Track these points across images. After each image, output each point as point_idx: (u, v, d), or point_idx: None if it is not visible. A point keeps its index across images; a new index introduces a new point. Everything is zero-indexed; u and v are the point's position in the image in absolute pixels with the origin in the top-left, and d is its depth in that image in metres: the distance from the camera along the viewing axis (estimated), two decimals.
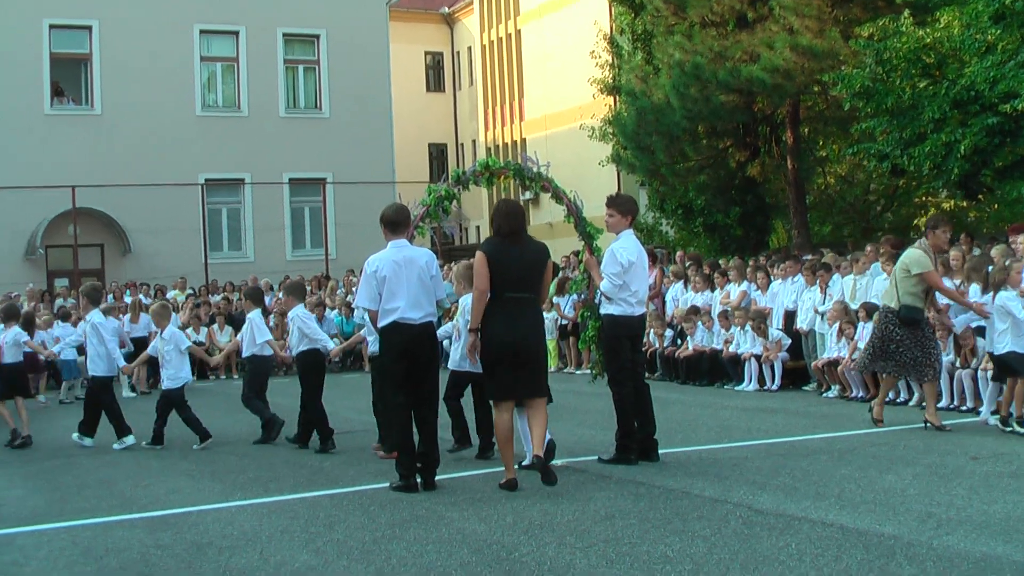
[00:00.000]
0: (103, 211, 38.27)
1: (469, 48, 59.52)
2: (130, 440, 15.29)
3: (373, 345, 13.15)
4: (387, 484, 10.87)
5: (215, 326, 28.39)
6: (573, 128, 44.35)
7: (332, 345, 16.25)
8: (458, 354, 13.01)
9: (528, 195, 48.90)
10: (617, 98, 37.77)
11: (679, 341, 22.35)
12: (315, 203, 41.54)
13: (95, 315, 15.91)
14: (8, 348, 16.42)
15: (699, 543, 8.00)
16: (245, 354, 16.29)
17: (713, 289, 22.64)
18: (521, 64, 54.41)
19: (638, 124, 30.64)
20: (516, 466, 10.82)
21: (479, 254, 10.63)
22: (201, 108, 40.97)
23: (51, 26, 38.99)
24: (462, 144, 60.43)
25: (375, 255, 11.08)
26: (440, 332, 13.86)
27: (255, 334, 15.88)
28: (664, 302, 23.95)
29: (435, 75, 61.06)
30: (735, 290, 22.02)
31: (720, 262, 25.83)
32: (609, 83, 38.26)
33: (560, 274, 25.97)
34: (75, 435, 15.70)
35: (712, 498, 9.63)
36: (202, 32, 40.88)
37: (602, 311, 11.95)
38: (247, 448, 14.59)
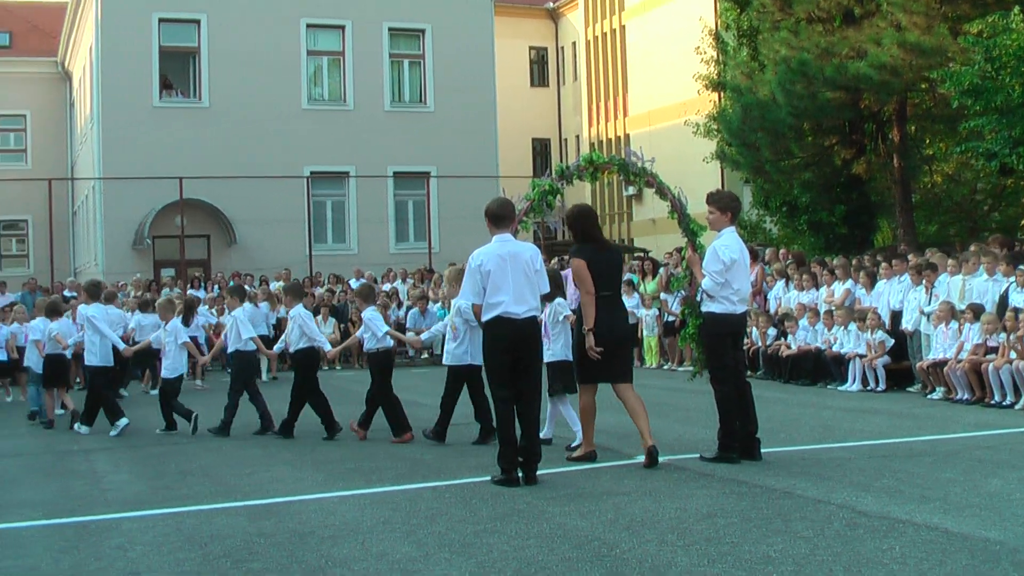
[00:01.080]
0: (209, 202, 38.73)
1: (573, 43, 59.46)
2: (123, 423, 15.98)
3: (370, 343, 14.90)
4: (488, 478, 10.89)
5: (319, 318, 28.57)
6: (677, 124, 44.15)
7: (328, 346, 16.86)
8: (460, 350, 14.31)
9: (631, 190, 48.84)
10: (722, 94, 37.59)
11: (782, 340, 22.17)
12: (419, 196, 41.72)
13: (89, 308, 16.55)
14: (49, 341, 17.46)
15: (801, 544, 7.93)
16: (230, 350, 16.97)
17: (817, 288, 22.45)
18: (625, 59, 54.28)
19: (743, 120, 30.48)
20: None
21: (577, 261, 11.60)
22: (307, 101, 41.31)
23: (160, 20, 39.55)
24: (565, 139, 60.37)
25: (480, 249, 11.04)
26: (434, 330, 16.30)
27: (240, 330, 16.30)
28: (766, 300, 23.80)
29: (539, 70, 61.07)
30: (839, 289, 21.81)
31: (824, 260, 25.57)
32: (714, 79, 38.07)
33: (663, 270, 25.89)
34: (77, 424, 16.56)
35: (815, 499, 9.54)
36: (309, 26, 41.22)
37: (704, 309, 11.86)
38: (349, 439, 14.67)
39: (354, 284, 32.16)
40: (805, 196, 33.36)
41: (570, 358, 12.62)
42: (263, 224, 38.47)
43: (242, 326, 16.27)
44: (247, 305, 17.27)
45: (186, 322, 17.71)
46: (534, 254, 11.04)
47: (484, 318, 10.93)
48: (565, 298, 13.67)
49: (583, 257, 11.59)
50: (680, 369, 23.90)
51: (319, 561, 7.97)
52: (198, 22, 39.96)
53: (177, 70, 41.14)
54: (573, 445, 12.63)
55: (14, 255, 54.60)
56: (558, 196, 12.88)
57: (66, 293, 25.94)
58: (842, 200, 32.35)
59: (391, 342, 15.44)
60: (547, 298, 12.25)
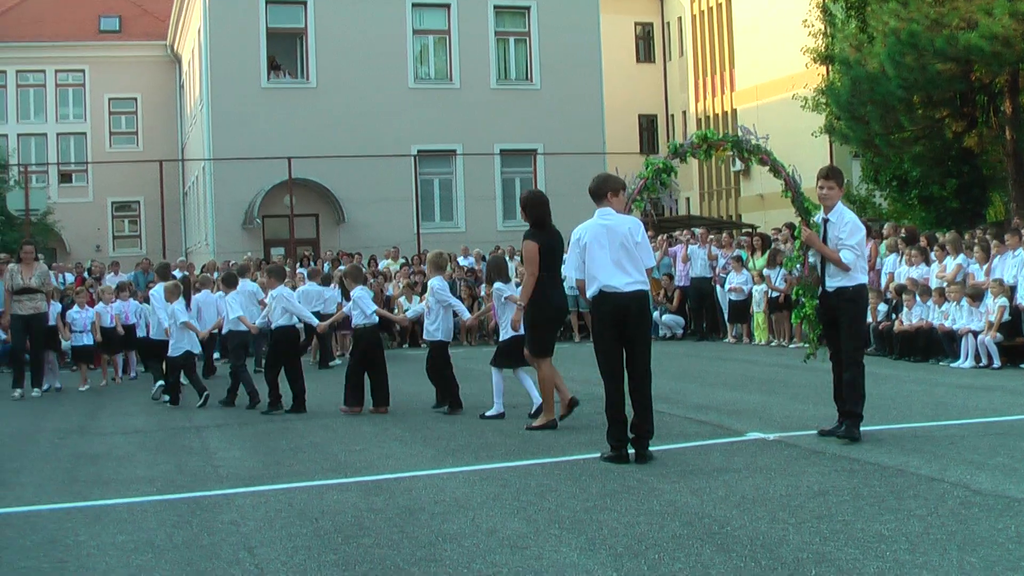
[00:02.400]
0: (318, 182, 39.05)
1: (679, 18, 59.12)
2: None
3: (357, 319, 15.67)
4: (598, 454, 10.88)
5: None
6: (785, 98, 43.76)
7: (316, 321, 17.66)
8: (433, 326, 15.35)
9: (739, 166, 48.57)
10: (830, 67, 37.20)
11: (894, 316, 21.87)
12: (526, 174, 41.75)
13: (283, 290, 16.79)
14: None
15: (914, 522, 7.82)
16: (224, 331, 18.30)
17: (929, 263, 22.11)
18: (732, 34, 53.90)
19: (852, 94, 30.13)
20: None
21: (530, 243, 12.91)
22: (413, 80, 41.45)
23: (268, 2, 39.92)
24: (672, 115, 60.10)
25: (581, 224, 11.08)
26: (416, 308, 17.57)
27: (229, 312, 17.82)
28: (879, 275, 23.51)
29: (645, 45, 60.78)
30: (951, 264, 21.47)
31: (936, 235, 25.21)
32: (822, 52, 37.71)
33: (773, 246, 25.68)
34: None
35: (928, 476, 9.41)
36: (414, 5, 41.38)
37: (844, 284, 11.50)
38: (458, 415, 14.70)
39: (462, 261, 32.29)
40: (916, 170, 32.94)
41: (518, 334, 13.90)
42: (371, 203, 38.72)
43: (231, 309, 17.81)
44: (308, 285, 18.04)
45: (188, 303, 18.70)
46: (633, 226, 10.95)
47: (588, 294, 10.89)
48: (507, 282, 14.95)
49: (537, 241, 12.91)
50: (792, 346, 23.67)
51: (429, 537, 8.01)
52: (305, 3, 40.26)
53: (284, 51, 41.50)
54: (532, 412, 13.70)
55: (127, 235, 55.58)
56: (672, 174, 12.82)
57: (176, 273, 26.18)
58: (953, 174, 31.90)
59: (377, 319, 16.10)
60: (488, 282, 14.22)
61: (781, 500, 8.70)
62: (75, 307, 21.53)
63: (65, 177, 56.50)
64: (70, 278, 29.16)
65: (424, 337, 16.01)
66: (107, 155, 54.07)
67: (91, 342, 21.21)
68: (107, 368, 21.99)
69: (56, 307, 20.99)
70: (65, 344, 22.00)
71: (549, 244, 13.07)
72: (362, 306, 15.64)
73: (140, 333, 21.09)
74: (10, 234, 44.50)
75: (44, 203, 41.71)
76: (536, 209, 13.27)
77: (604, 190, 11.11)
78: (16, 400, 18.85)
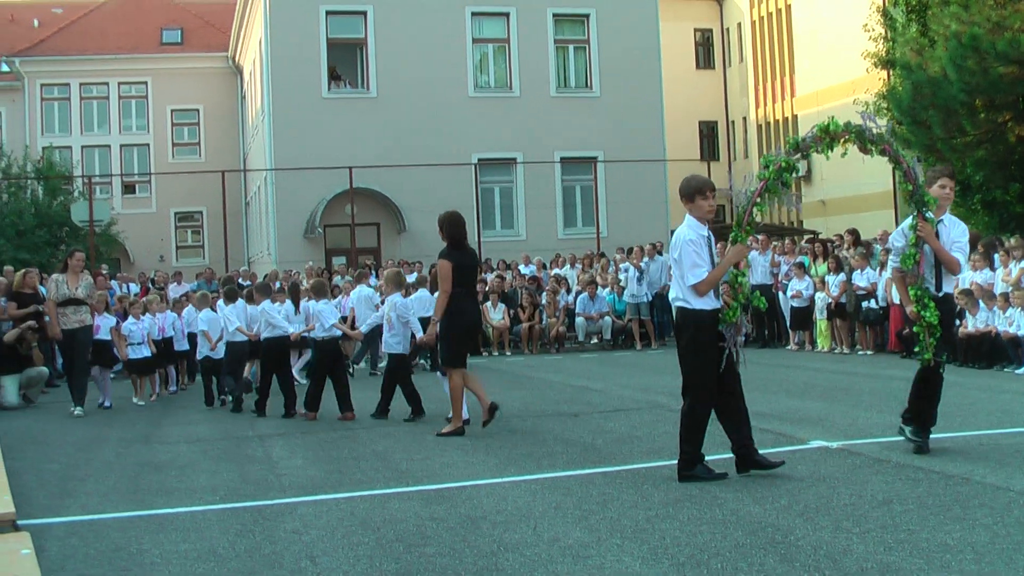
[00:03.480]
0: (379, 191, 39.17)
1: (739, 24, 58.92)
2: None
3: (318, 331, 16.68)
4: (661, 463, 10.84)
5: (488, 303, 28.70)
6: (846, 103, 43.33)
7: (292, 329, 17.97)
8: (394, 340, 16.01)
9: (800, 171, 48.41)
10: (891, 72, 36.94)
11: (958, 322, 21.64)
12: (586, 181, 41.67)
13: (401, 299, 16.86)
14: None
15: (981, 532, 7.73)
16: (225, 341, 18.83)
17: (993, 268, 21.90)
18: (792, 39, 53.62)
19: (913, 98, 29.93)
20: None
21: (443, 262, 13.79)
22: (473, 89, 41.53)
23: (328, 12, 40.11)
24: (732, 122, 59.90)
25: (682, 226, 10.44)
26: (371, 321, 18.43)
27: (227, 324, 18.51)
28: None
29: (705, 52, 60.60)
30: (1015, 268, 21.24)
31: (1001, 240, 24.96)
32: (883, 56, 37.45)
33: (834, 252, 25.52)
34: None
35: (994, 485, 9.30)
36: (474, 14, 41.44)
37: (949, 289, 11.23)
38: (520, 424, 14.70)
39: (523, 270, 32.31)
40: (978, 174, 32.63)
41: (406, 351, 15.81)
42: (432, 211, 38.21)
43: (228, 321, 18.52)
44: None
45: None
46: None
47: (694, 304, 10.13)
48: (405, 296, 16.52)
49: (451, 260, 13.77)
50: (860, 353, 23.51)
51: (491, 546, 8.00)
52: (364, 14, 40.41)
53: (345, 61, 41.68)
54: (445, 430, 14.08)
55: (189, 245, 56.01)
56: (795, 172, 11.96)
57: (240, 282, 26.36)
58: (1017, 178, 31.58)
59: (339, 332, 17.12)
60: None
61: (845, 509, 8.63)
62: (130, 319, 20.44)
63: (128, 188, 57.01)
64: (135, 288, 29.35)
65: (384, 349, 16.75)
66: (170, 166, 54.53)
67: (148, 354, 20.21)
68: (154, 382, 21.03)
69: (110, 320, 19.99)
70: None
71: (463, 263, 13.90)
72: (322, 319, 16.68)
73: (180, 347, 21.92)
74: (75, 245, 44.92)
75: (108, 214, 42.03)
76: (453, 229, 14.12)
77: (690, 191, 10.42)
78: (79, 416, 17.86)
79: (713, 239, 10.41)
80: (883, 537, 7.70)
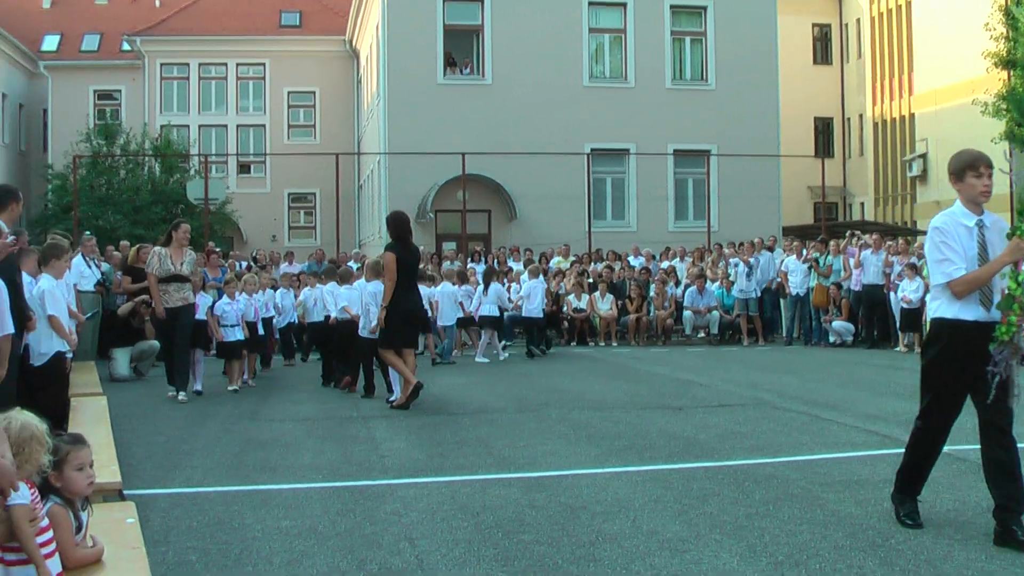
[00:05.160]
0: (491, 178, 39.23)
1: (858, 20, 58.16)
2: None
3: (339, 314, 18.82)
4: (763, 460, 10.80)
5: (596, 293, 28.66)
6: (964, 103, 42.87)
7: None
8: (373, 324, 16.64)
9: (915, 171, 47.91)
10: (1012, 72, 36.33)
11: None
12: (698, 174, 41.37)
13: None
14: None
15: None
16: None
17: None
18: (911, 36, 52.85)
19: None
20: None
21: (388, 254, 15.57)
22: (588, 79, 41.45)
23: None
24: (848, 118, 59.19)
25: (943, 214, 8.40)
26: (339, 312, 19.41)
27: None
28: None
29: (823, 47, 59.88)
30: None
31: None
32: (1003, 56, 36.84)
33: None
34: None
35: None
36: (591, 4, 41.35)
37: None
38: (623, 415, 14.64)
39: (633, 262, 32.23)
40: None
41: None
42: (543, 200, 38.83)
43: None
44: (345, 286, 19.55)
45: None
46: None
47: (948, 311, 8.21)
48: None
49: (395, 252, 15.51)
50: None
51: (590, 536, 8.01)
52: (482, 1, 40.47)
53: (461, 48, 41.79)
54: (390, 399, 15.93)
55: (302, 226, 56.51)
56: None
57: (351, 264, 26.56)
58: None
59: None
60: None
61: (947, 515, 8.53)
62: (224, 298, 18.94)
63: (244, 168, 57.61)
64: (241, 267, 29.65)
65: (360, 332, 17.22)
66: (285, 147, 54.97)
67: (242, 337, 18.72)
68: (241, 367, 19.26)
69: (206, 299, 18.50)
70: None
71: (405, 258, 15.64)
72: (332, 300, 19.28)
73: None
74: (190, 222, 45.40)
75: (223, 192, 42.54)
76: (398, 227, 15.93)
77: (959, 167, 8.25)
78: (183, 402, 16.61)
79: (995, 227, 8.21)
80: (985, 544, 7.61)
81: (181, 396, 16.77)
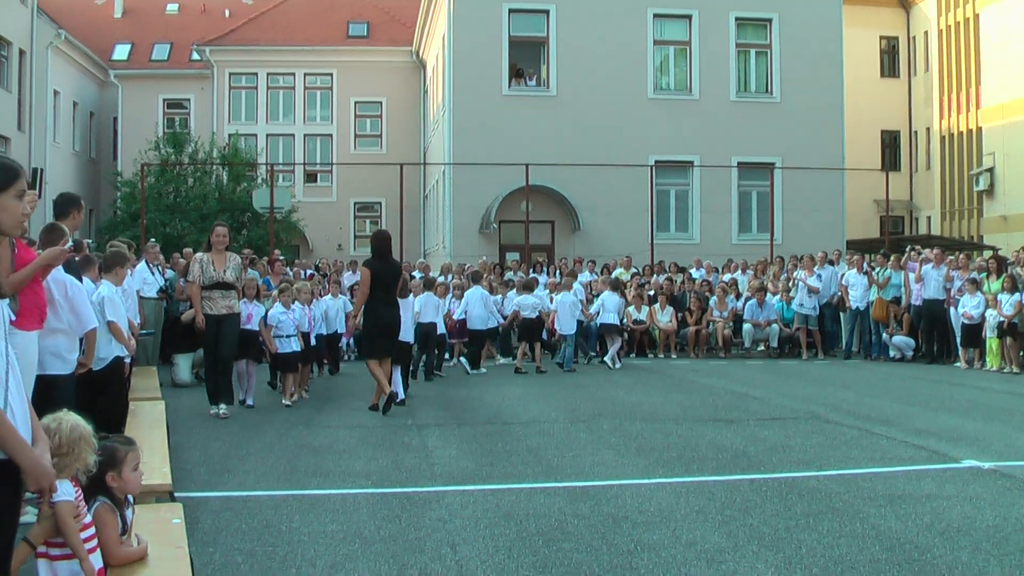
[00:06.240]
0: (555, 189, 39.36)
1: (925, 32, 57.79)
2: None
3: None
4: (809, 472, 10.87)
5: (656, 305, 28.70)
6: None
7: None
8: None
9: (982, 185, 47.62)
10: None
11: None
12: (763, 187, 41.25)
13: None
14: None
15: None
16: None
17: None
18: (979, 50, 52.45)
19: None
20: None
21: (364, 269, 16.80)
22: (653, 91, 41.50)
23: (511, 10, 40.44)
24: (915, 132, 58.80)
25: None
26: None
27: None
28: None
29: (890, 60, 59.54)
30: None
31: None
32: None
33: (1009, 270, 25.02)
34: None
35: None
36: (655, 16, 41.39)
37: None
38: (675, 427, 14.73)
39: (695, 274, 32.23)
40: None
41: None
42: (607, 211, 38.93)
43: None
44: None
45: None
46: None
47: None
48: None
49: (369, 267, 16.58)
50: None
51: (629, 545, 8.14)
52: (547, 12, 40.66)
53: (526, 60, 41.94)
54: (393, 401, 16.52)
55: (367, 235, 56.72)
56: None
57: (415, 274, 26.77)
58: None
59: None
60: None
61: (987, 531, 8.58)
62: (278, 306, 17.86)
63: (310, 177, 58.02)
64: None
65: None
66: (351, 157, 55.32)
67: (298, 348, 17.87)
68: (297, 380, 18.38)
69: (260, 309, 17.65)
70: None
71: (382, 272, 16.56)
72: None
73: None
74: (256, 230, 46.03)
75: (288, 201, 42.87)
76: (379, 244, 16.96)
77: None
78: (221, 417, 15.77)
79: None
80: (1021, 561, 7.67)
81: (223, 411, 15.92)
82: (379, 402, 16.36)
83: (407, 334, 18.35)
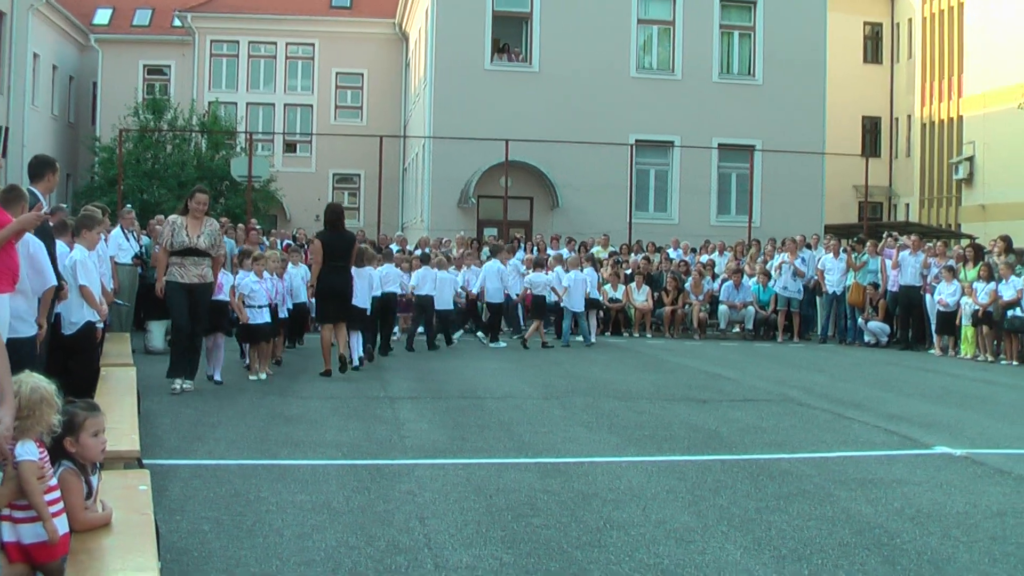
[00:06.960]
0: (535, 165, 39.28)
1: (910, 20, 57.74)
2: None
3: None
4: (782, 455, 10.86)
5: (632, 284, 28.67)
6: (1013, 107, 42.66)
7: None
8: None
9: (961, 174, 47.67)
10: None
11: None
12: (742, 169, 41.19)
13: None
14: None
15: None
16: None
17: None
18: (963, 38, 52.45)
19: None
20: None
21: (315, 240, 17.77)
22: (635, 70, 41.41)
23: None
24: (896, 119, 58.81)
25: None
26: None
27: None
28: None
29: (873, 46, 59.53)
30: None
31: None
32: None
33: (985, 259, 25.05)
34: None
35: None
36: None
37: None
38: (648, 406, 14.72)
39: (672, 254, 32.21)
40: None
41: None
42: (586, 189, 38.86)
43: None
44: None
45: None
46: None
47: None
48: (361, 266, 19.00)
49: (321, 239, 17.38)
50: (1004, 362, 23.11)
51: (598, 523, 8.12)
52: None
53: (509, 35, 41.81)
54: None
55: (346, 207, 56.22)
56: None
57: (392, 247, 26.73)
58: None
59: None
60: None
61: (957, 517, 8.58)
62: (251, 275, 16.93)
63: (290, 147, 57.77)
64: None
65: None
66: (331, 128, 55.13)
67: (269, 319, 17.17)
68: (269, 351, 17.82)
69: (229, 278, 16.71)
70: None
71: (332, 242, 17.27)
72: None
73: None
74: (234, 199, 45.85)
75: (267, 171, 42.73)
76: (331, 216, 17.68)
77: None
78: (176, 394, 14.72)
79: None
80: (990, 548, 7.66)
81: (186, 385, 15.02)
82: (330, 367, 17.31)
83: (363, 301, 18.88)
